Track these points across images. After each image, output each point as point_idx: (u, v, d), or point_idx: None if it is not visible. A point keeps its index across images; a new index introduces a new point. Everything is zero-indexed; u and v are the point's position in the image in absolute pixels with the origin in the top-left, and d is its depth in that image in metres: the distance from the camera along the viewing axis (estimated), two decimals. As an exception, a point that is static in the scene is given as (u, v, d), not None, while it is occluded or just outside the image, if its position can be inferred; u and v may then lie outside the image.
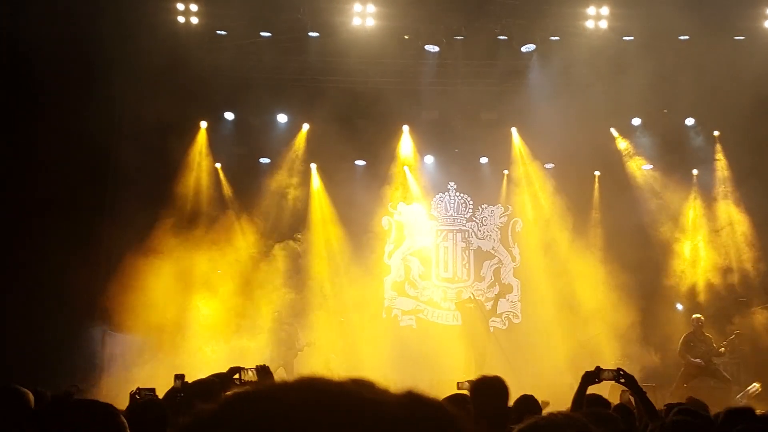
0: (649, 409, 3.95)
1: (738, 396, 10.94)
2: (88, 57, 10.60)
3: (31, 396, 3.45)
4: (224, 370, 4.84)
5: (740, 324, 12.22)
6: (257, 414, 0.68)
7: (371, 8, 11.82)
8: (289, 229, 13.63)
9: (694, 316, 11.71)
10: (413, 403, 0.71)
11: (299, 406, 0.68)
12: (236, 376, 4.21)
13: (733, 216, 13.47)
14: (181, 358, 11.25)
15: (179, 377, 4.88)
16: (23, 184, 10.76)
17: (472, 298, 13.52)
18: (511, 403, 4.05)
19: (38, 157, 10.75)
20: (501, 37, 12.60)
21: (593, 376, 3.99)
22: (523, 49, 12.71)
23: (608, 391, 7.37)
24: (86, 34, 10.27)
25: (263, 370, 4.11)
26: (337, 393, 0.70)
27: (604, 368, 4.04)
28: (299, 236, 13.57)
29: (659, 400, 8.87)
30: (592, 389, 4.07)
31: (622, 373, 4.01)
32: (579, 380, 4.04)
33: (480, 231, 14.60)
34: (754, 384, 11.08)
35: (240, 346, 11.95)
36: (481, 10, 12.15)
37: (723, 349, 11.44)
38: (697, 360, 11.16)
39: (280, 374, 11.81)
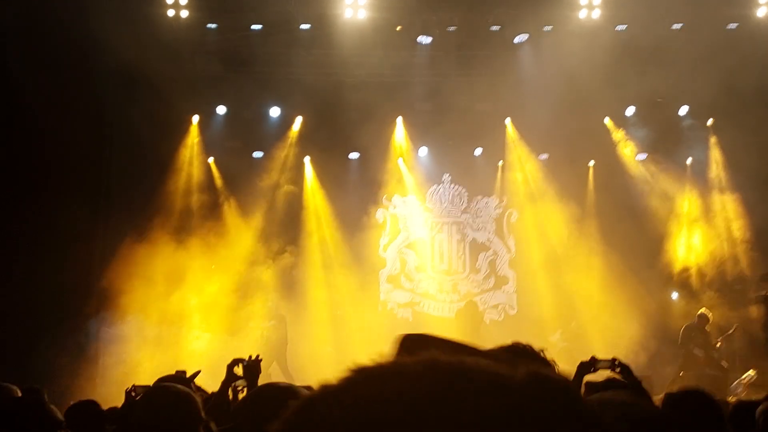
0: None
1: (733, 384, 10.98)
2: (76, 51, 10.51)
3: (17, 391, 3.41)
4: (220, 363, 4.83)
5: (735, 314, 12.24)
6: (383, 388, 0.67)
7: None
8: (282, 222, 13.59)
9: (701, 311, 11.70)
10: (538, 377, 0.70)
11: (425, 379, 0.67)
12: (236, 367, 4.28)
13: (727, 204, 13.48)
14: (178, 352, 11.23)
15: (180, 373, 4.88)
16: (13, 178, 10.69)
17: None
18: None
19: (30, 152, 10.68)
20: (493, 28, 12.55)
21: (588, 366, 3.97)
22: (516, 39, 12.67)
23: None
24: (74, 28, 10.17)
25: (252, 366, 4.11)
26: (462, 367, 0.69)
27: (599, 358, 4.02)
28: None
29: (654, 389, 8.88)
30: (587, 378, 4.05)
31: (617, 362, 3.99)
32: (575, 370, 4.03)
33: (475, 222, 14.57)
34: (749, 372, 11.12)
35: (236, 339, 11.93)
36: (473, 0, 12.10)
37: (719, 344, 11.51)
38: (699, 351, 11.22)
39: (274, 368, 11.82)
